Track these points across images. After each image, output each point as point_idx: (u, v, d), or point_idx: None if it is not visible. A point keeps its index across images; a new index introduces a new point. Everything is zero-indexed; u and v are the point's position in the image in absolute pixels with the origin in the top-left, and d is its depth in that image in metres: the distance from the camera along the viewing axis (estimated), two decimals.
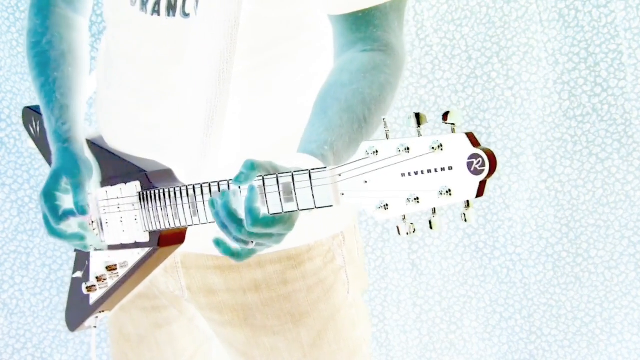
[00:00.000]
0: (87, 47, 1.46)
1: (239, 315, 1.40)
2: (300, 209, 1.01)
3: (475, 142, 0.88)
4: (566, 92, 2.27)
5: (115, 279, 1.32)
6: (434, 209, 0.91)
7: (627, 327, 2.40)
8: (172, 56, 1.27)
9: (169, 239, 1.24)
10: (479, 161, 0.86)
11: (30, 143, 1.53)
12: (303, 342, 1.40)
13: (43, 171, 2.39)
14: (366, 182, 0.95)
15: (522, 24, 2.24)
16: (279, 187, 1.02)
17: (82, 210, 1.25)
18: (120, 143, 1.35)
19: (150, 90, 1.30)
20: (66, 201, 1.29)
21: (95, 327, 1.40)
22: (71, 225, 1.30)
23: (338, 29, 1.25)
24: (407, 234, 0.94)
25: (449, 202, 0.88)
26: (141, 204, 1.23)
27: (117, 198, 1.28)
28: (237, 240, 1.06)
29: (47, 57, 1.39)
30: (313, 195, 1.00)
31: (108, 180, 1.32)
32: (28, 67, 1.44)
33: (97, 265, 1.35)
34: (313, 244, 1.38)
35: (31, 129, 1.50)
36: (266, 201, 1.03)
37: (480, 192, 0.87)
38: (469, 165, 0.87)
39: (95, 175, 1.33)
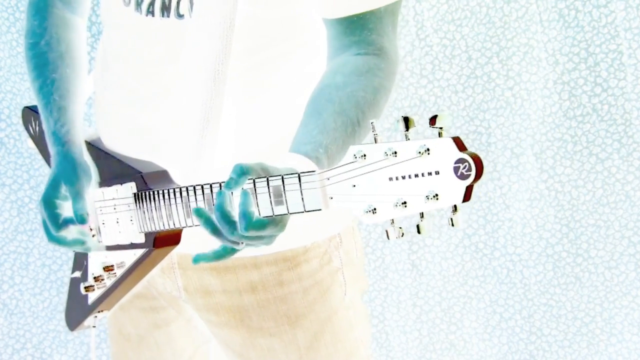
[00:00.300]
0: (85, 47, 1.46)
1: (235, 317, 1.40)
2: (290, 212, 1.01)
3: (461, 147, 0.87)
4: (566, 92, 2.27)
5: (113, 279, 1.32)
6: (422, 213, 0.91)
7: (627, 327, 2.40)
8: (167, 57, 1.27)
9: (164, 240, 1.24)
10: (466, 166, 0.86)
11: (30, 143, 1.53)
12: (299, 344, 1.40)
13: (43, 171, 2.39)
14: (354, 186, 0.95)
15: (522, 24, 2.24)
16: (269, 189, 1.02)
17: (81, 220, 1.25)
18: (117, 144, 1.35)
19: (145, 91, 1.30)
20: (66, 208, 1.29)
21: (94, 326, 1.40)
22: (71, 231, 1.30)
23: (332, 32, 1.25)
24: (397, 237, 0.94)
25: (436, 207, 0.88)
26: (136, 205, 1.23)
27: (114, 199, 1.28)
28: (229, 242, 1.06)
29: (45, 59, 1.39)
30: (302, 198, 0.99)
31: (105, 181, 1.32)
32: (26, 68, 1.44)
33: (94, 266, 1.35)
34: (309, 245, 1.37)
35: (31, 129, 1.50)
36: (257, 204, 1.03)
37: (467, 197, 0.87)
38: (456, 170, 0.87)
39: (94, 179, 1.33)
